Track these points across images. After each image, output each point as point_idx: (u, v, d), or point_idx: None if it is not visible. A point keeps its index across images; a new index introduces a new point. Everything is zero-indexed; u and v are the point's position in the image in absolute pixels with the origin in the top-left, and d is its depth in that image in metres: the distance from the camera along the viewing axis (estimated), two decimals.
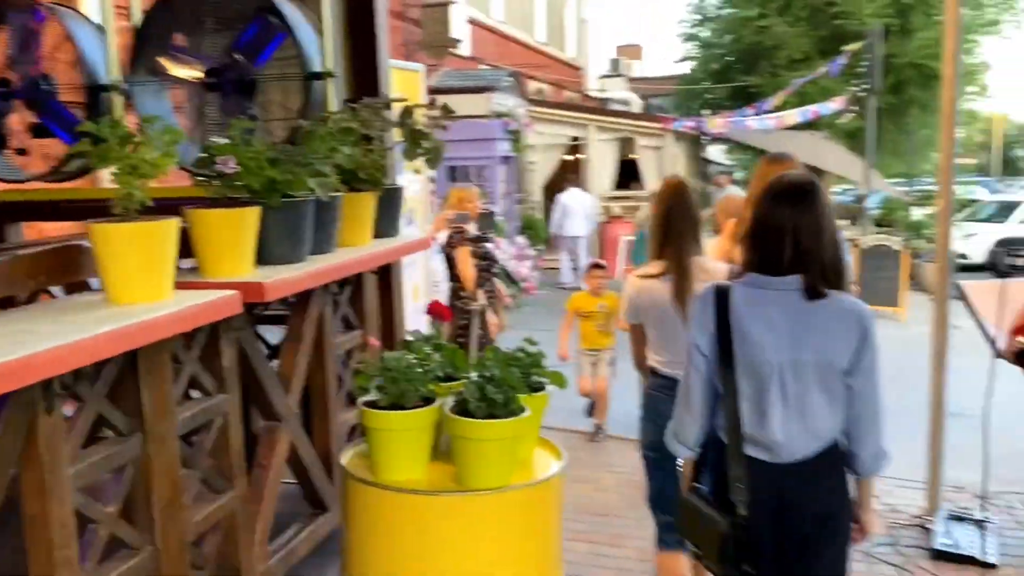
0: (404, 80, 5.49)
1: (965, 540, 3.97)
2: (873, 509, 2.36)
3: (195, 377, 2.12)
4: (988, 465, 4.11)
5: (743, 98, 17.58)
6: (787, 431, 2.09)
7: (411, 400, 2.10)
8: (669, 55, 71.86)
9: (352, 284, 2.99)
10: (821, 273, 2.08)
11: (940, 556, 3.87)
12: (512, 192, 12.76)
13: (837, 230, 2.16)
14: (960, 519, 4.20)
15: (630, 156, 14.96)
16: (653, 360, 2.93)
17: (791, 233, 2.05)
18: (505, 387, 2.03)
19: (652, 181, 14.22)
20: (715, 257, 2.88)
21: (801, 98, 14.77)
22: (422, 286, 5.94)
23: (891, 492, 4.76)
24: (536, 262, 11.85)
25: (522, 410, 2.05)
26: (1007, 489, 4.74)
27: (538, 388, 2.23)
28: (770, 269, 2.10)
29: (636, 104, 27.37)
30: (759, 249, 2.13)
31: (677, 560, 2.93)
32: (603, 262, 5.96)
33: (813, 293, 2.06)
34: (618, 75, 32.27)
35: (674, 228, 2.85)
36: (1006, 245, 14.91)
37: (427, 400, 2.14)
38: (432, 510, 2.05)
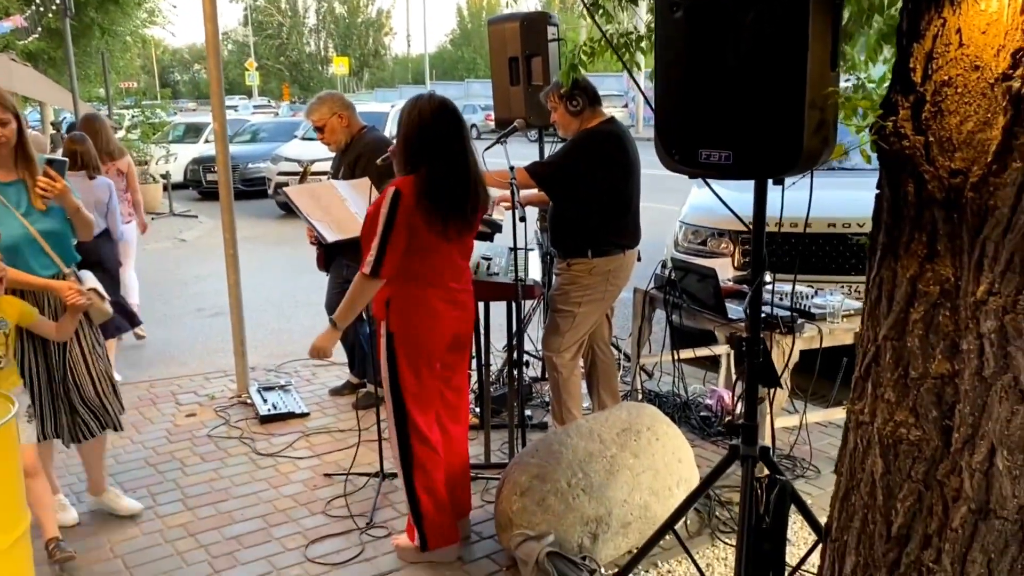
0: None
1: (280, 402, 4.86)
2: None
3: None
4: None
5: None
6: None
7: None
8: None
9: None
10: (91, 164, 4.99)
11: (267, 420, 4.68)
12: None
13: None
14: (269, 389, 5.08)
15: None
16: None
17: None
18: None
19: None
20: None
21: None
22: None
23: (203, 386, 5.39)
24: None
25: None
26: (283, 361, 5.83)
27: None
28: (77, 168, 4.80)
29: None
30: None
31: None
32: None
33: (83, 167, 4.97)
34: None
35: None
36: (200, 163, 16.31)
37: None
38: None
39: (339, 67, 42.75)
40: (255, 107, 42.52)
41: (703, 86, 2.14)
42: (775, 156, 2.08)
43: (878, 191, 2.24)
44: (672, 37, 2.17)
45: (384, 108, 15.73)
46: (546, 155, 5.17)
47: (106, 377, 3.46)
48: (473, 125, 32.61)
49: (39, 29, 13.44)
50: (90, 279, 3.45)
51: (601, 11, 3.50)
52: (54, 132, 13.71)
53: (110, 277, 4.98)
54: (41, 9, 12.48)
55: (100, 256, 4.92)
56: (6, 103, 3.09)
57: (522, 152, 4.57)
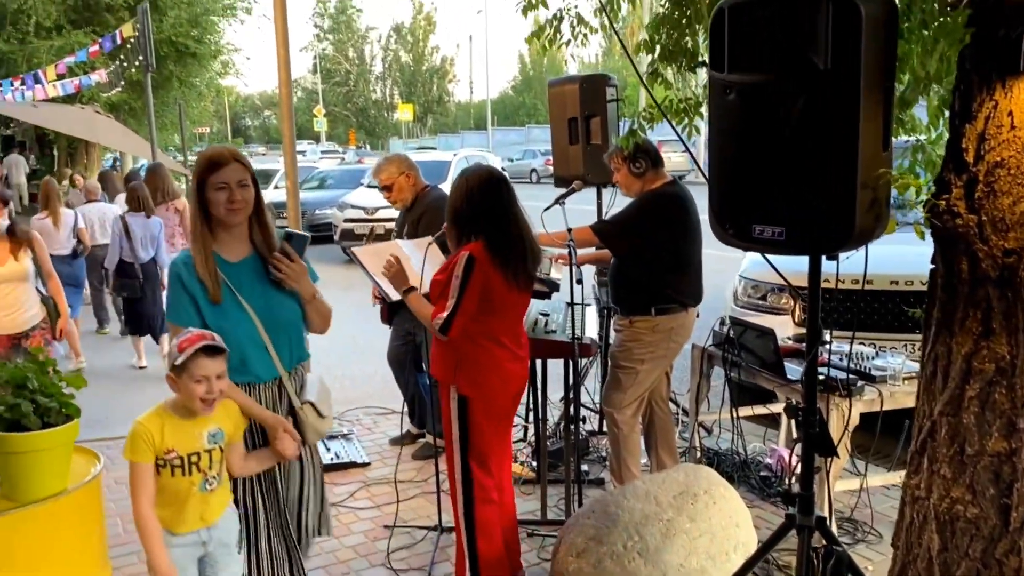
0: None
1: (342, 451, 4.98)
2: None
3: None
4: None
5: None
6: None
7: None
8: None
9: None
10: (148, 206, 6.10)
11: (330, 468, 4.79)
12: None
13: None
14: (331, 437, 5.21)
15: None
16: None
17: None
18: (52, 394, 2.07)
19: None
20: None
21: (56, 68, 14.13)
22: None
23: None
24: None
25: (78, 412, 2.12)
26: (346, 408, 5.97)
27: None
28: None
29: None
30: None
31: None
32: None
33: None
34: None
35: None
36: (270, 209, 16.80)
37: None
38: None
39: (404, 113, 43.77)
40: (323, 152, 43.70)
41: (756, 164, 2.20)
42: (827, 234, 2.13)
43: (932, 267, 2.26)
44: (726, 117, 2.25)
45: (447, 157, 16.06)
46: (605, 212, 5.27)
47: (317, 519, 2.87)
48: (533, 170, 33.00)
49: (122, 83, 14.14)
50: (312, 388, 2.76)
51: (660, 79, 3.59)
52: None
53: (152, 290, 7.16)
54: (124, 64, 13.15)
55: (147, 275, 7.15)
56: (246, 161, 2.56)
57: (585, 197, 4.64)
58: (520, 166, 33.58)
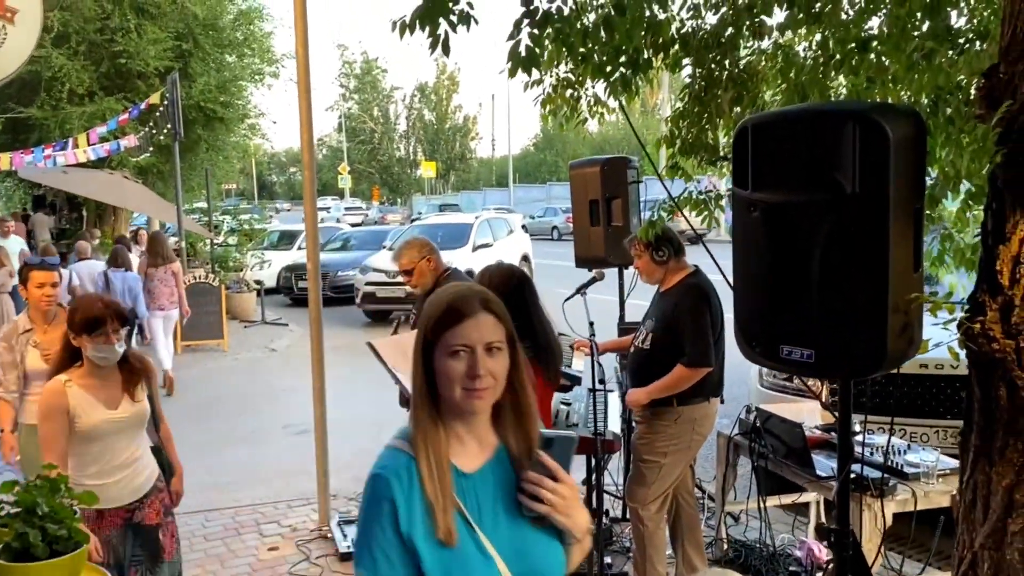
0: None
1: None
2: None
3: None
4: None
5: (23, 130, 16.32)
6: None
7: None
8: None
9: None
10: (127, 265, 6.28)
11: (347, 557, 4.70)
12: None
13: None
14: (349, 523, 5.12)
15: None
16: None
17: None
18: (62, 520, 2.03)
19: None
20: None
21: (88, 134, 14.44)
22: None
23: (286, 515, 5.46)
24: None
25: (86, 539, 2.07)
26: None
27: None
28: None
29: None
30: None
31: None
32: None
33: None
34: None
35: None
36: (293, 270, 16.91)
37: None
38: None
39: (427, 171, 44.29)
40: (346, 208, 44.19)
41: (783, 283, 2.15)
42: (858, 358, 2.06)
43: (968, 390, 2.18)
44: (750, 234, 2.21)
45: (468, 219, 16.14)
46: (627, 293, 5.22)
47: None
48: (554, 227, 33.13)
49: (151, 148, 14.41)
50: None
51: (680, 172, 3.57)
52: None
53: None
54: (153, 131, 13.41)
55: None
56: (502, 311, 1.70)
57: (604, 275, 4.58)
58: (541, 223, 33.76)
